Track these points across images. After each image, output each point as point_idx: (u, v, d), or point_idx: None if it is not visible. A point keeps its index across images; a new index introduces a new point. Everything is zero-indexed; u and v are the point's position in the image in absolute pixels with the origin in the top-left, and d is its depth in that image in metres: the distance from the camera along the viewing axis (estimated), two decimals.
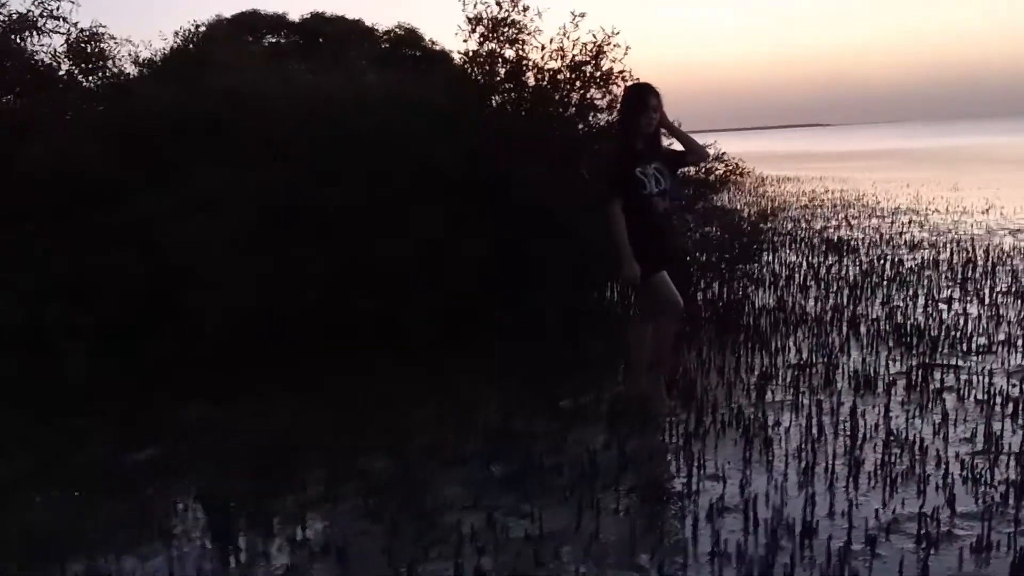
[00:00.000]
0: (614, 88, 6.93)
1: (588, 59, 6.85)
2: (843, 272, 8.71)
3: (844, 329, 6.32)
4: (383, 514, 3.56)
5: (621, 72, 7.01)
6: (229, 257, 5.27)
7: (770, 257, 9.79)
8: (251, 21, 14.85)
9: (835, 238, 11.41)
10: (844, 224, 13.32)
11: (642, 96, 4.68)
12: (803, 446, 4.12)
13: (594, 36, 6.83)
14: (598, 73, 6.84)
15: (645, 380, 4.76)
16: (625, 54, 7.08)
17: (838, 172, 27.67)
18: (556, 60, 6.84)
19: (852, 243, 10.89)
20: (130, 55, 8.72)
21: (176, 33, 10.81)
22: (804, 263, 9.34)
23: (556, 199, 5.93)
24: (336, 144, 5.55)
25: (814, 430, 4.31)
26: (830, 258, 9.70)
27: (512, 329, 5.92)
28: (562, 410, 4.78)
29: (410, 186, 5.49)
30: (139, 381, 5.24)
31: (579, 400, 4.93)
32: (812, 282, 8.19)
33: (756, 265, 7.10)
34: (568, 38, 6.84)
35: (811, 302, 7.34)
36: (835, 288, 7.87)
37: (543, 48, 6.83)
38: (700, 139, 4.99)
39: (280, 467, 4.11)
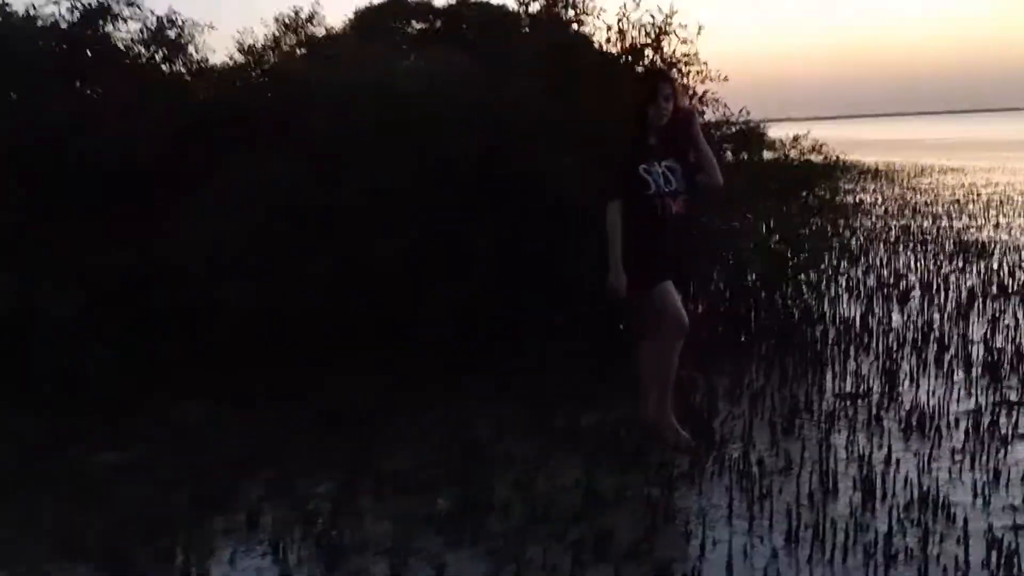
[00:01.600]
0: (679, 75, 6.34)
1: (649, 42, 6.27)
2: (963, 281, 7.68)
3: (926, 354, 5.48)
4: (287, 551, 3.22)
5: (686, 57, 6.39)
6: (230, 255, 5.09)
7: (881, 260, 8.84)
8: (396, 8, 14.86)
9: (972, 240, 10.21)
10: (990, 224, 11.95)
11: (652, 83, 4.12)
12: (802, 504, 3.47)
13: (652, 17, 6.23)
14: (660, 59, 6.24)
15: (655, 406, 4.19)
16: (698, 34, 6.48)
17: (1014, 162, 25.16)
18: (615, 45, 6.30)
19: (989, 247, 9.68)
20: (238, 43, 8.79)
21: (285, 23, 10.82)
22: (919, 269, 8.34)
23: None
24: (340, 135, 5.25)
25: (828, 483, 3.65)
26: (953, 263, 8.62)
27: (534, 338, 5.46)
28: (554, 433, 4.30)
29: (415, 180, 5.11)
30: (139, 380, 5.13)
31: (580, 422, 4.43)
32: (917, 291, 7.26)
33: (820, 272, 6.21)
34: (628, 19, 6.29)
35: (901, 316, 6.47)
36: (941, 301, 6.92)
37: (608, 29, 6.31)
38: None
39: (224, 484, 3.85)
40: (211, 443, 4.33)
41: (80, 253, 5.64)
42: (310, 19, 10.20)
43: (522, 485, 3.72)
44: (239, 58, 8.23)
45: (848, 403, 4.63)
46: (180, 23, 7.30)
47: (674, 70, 6.31)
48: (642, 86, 4.21)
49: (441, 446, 4.15)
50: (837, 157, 10.46)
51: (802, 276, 5.93)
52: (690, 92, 6.68)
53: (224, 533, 3.42)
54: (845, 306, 6.86)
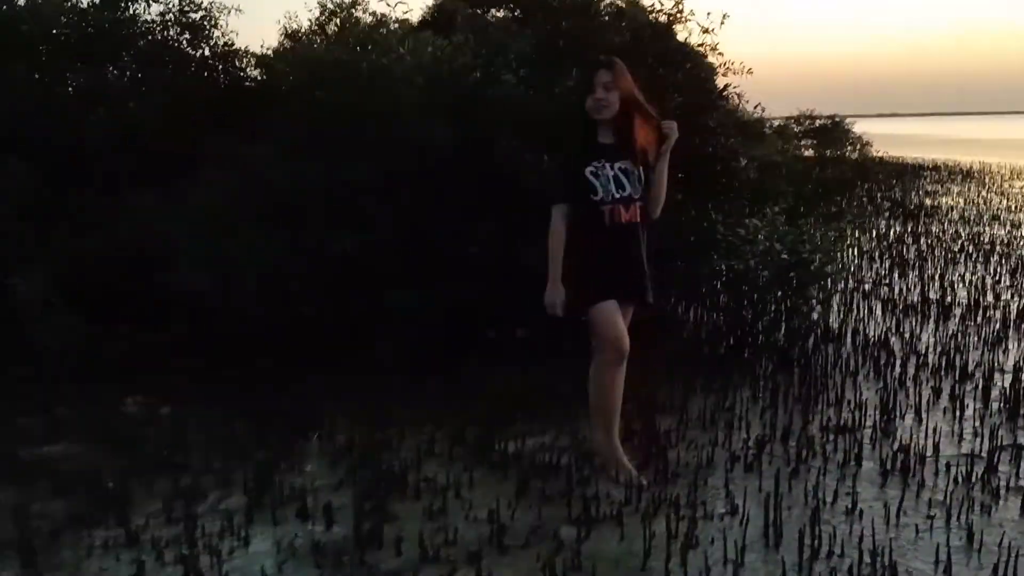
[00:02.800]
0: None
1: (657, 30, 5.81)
2: (1016, 302, 6.95)
3: (943, 382, 4.90)
4: None
5: (700, 48, 5.91)
6: (186, 242, 4.90)
7: (934, 272, 8.14)
8: None
9: None
10: None
11: (590, 71, 3.68)
12: (729, 559, 3.03)
13: (661, 2, 5.77)
14: (666, 48, 5.78)
15: (601, 434, 3.77)
16: (721, 23, 5.99)
17: None
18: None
19: None
20: (285, 28, 8.64)
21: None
22: (972, 283, 7.62)
23: None
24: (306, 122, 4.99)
25: (770, 535, 3.19)
26: (1014, 280, 7.84)
27: (494, 350, 5.07)
28: (491, 456, 3.93)
29: (374, 172, 4.81)
30: (98, 367, 4.98)
31: (524, 445, 4.05)
32: (960, 309, 6.59)
33: (824, 285, 5.61)
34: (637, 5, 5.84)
35: (932, 337, 5.85)
36: (983, 322, 6.26)
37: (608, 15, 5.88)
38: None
39: (122, 492, 3.61)
40: (132, 444, 4.12)
41: (47, 234, 5.59)
42: (354, 4, 10.00)
43: (431, 515, 3.38)
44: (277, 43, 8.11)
45: (831, 436, 4.12)
46: (206, 6, 7.21)
47: (688, 63, 5.88)
48: (583, 75, 3.78)
49: (362, 465, 3.83)
50: (881, 155, 9.70)
51: (813, 289, 5.34)
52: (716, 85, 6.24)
53: (102, 547, 3.19)
54: (874, 322, 6.27)
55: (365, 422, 4.32)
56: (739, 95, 6.51)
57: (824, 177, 13.51)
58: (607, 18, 5.96)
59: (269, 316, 4.89)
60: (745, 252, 5.09)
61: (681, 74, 5.73)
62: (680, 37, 5.87)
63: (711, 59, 6.03)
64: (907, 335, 5.87)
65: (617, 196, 3.62)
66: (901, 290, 7.33)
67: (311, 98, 5.25)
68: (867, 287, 7.45)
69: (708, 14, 6.03)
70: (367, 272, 4.88)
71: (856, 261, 8.79)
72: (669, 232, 5.28)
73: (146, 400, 4.69)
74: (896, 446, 3.96)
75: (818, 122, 19.69)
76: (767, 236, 5.10)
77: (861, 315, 6.44)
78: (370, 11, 10.11)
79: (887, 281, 7.73)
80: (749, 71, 7.37)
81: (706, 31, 6.04)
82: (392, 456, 3.91)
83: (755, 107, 6.82)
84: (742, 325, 5.54)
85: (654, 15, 5.94)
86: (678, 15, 5.79)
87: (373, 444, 4.06)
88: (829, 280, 5.43)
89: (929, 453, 3.88)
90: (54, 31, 6.76)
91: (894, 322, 6.26)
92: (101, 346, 5.14)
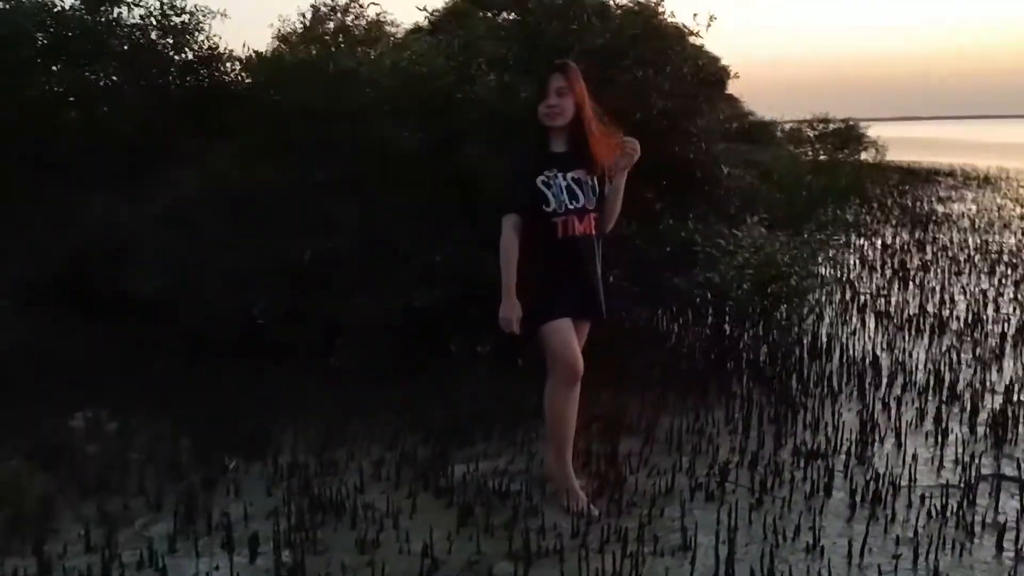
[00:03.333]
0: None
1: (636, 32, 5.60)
2: (1019, 317, 6.67)
3: (928, 404, 4.65)
4: None
5: (683, 50, 5.69)
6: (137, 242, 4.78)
7: (937, 283, 7.87)
8: None
9: None
10: None
11: (544, 77, 3.47)
12: None
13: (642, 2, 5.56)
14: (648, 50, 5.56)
15: (554, 459, 3.55)
16: (708, 26, 5.77)
17: None
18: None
19: None
20: (279, 31, 8.48)
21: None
22: (974, 296, 7.35)
23: None
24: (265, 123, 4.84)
25: (722, 573, 2.96)
26: (1018, 293, 7.56)
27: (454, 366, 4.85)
28: (437, 481, 3.72)
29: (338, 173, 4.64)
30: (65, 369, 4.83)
31: (476, 468, 3.84)
32: (959, 324, 6.33)
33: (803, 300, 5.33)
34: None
35: (924, 353, 5.60)
36: (981, 338, 5.99)
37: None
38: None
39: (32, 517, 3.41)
40: (70, 462, 3.94)
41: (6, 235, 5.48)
42: (346, 8, 9.82)
43: (363, 547, 3.18)
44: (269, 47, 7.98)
45: (801, 463, 3.89)
46: (190, 9, 7.05)
47: (669, 65, 5.66)
48: (538, 81, 3.54)
49: (299, 490, 3.64)
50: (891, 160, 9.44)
51: (786, 305, 5.09)
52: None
53: None
54: (865, 337, 6.01)
55: (316, 440, 4.14)
56: (738, 99, 6.32)
57: (827, 183, 13.19)
58: (587, 20, 5.75)
59: (229, 319, 4.72)
60: (722, 264, 4.85)
61: (662, 78, 5.50)
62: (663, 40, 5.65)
63: (700, 61, 5.80)
64: (898, 351, 5.62)
65: (570, 207, 3.41)
66: (898, 302, 7.07)
67: (272, 99, 5.09)
68: (863, 299, 7.19)
69: (695, 15, 5.83)
70: (329, 278, 4.71)
71: (856, 271, 8.53)
72: (649, 241, 5.09)
73: (94, 414, 4.51)
74: (869, 474, 3.72)
75: (832, 126, 19.45)
76: (745, 247, 4.86)
77: (853, 329, 6.19)
78: (365, 15, 9.97)
79: (885, 292, 7.46)
80: (736, 75, 7.16)
81: (692, 33, 5.85)
82: (335, 480, 3.71)
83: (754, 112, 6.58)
84: (722, 340, 5.31)
85: (639, 15, 5.74)
86: (659, 16, 5.57)
87: (320, 465, 3.87)
88: (815, 294, 5.16)
89: (904, 483, 3.64)
90: (29, 34, 6.66)
91: (886, 337, 6.01)
92: (62, 346, 5.03)
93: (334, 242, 4.72)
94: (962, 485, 3.61)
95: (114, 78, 6.78)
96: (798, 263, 4.86)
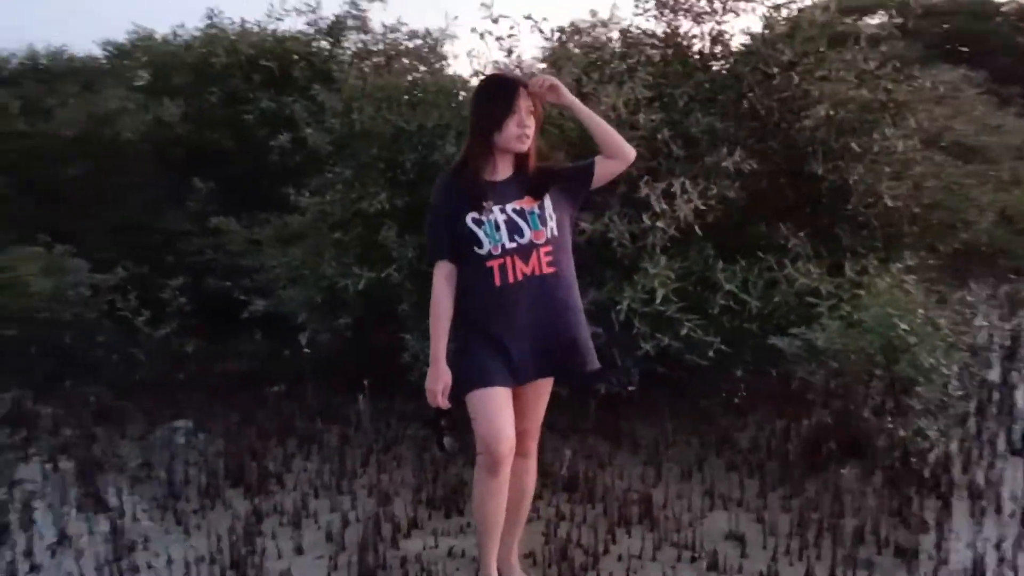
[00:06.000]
0: None
1: None
2: None
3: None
4: None
5: None
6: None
7: None
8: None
9: None
10: None
11: (506, 93, 2.82)
12: None
13: None
14: None
15: (484, 559, 2.96)
16: None
17: None
18: None
19: None
20: None
21: None
22: None
23: None
24: None
25: None
26: None
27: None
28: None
29: None
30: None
31: (423, 552, 3.36)
32: None
33: None
34: None
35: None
36: None
37: None
38: None
39: None
40: None
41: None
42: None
43: None
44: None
45: None
46: (429, 33, 7.26)
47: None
48: (493, 97, 2.84)
49: None
50: None
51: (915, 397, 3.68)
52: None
53: None
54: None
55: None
56: None
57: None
58: None
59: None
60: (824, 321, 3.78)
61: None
62: None
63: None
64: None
65: (510, 246, 2.77)
66: None
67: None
68: None
69: None
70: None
71: None
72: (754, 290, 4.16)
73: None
74: None
75: None
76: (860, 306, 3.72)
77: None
78: None
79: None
80: None
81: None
82: None
83: None
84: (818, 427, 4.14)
85: None
86: None
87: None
88: (947, 387, 3.65)
89: None
90: (253, 61, 7.25)
91: None
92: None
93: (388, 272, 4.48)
94: None
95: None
96: (926, 335, 3.54)
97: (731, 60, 4.71)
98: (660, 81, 4.63)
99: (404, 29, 7.31)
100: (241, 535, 3.45)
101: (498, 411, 2.77)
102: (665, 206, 4.01)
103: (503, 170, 2.87)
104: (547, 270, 2.80)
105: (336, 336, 4.96)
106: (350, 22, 7.55)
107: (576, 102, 2.89)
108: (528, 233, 2.78)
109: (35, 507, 3.86)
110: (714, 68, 4.73)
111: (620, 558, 3.27)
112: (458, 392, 2.83)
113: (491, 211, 2.79)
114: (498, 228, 2.78)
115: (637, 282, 4.00)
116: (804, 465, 3.94)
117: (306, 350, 4.74)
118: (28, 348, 5.72)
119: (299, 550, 3.42)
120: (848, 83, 4.54)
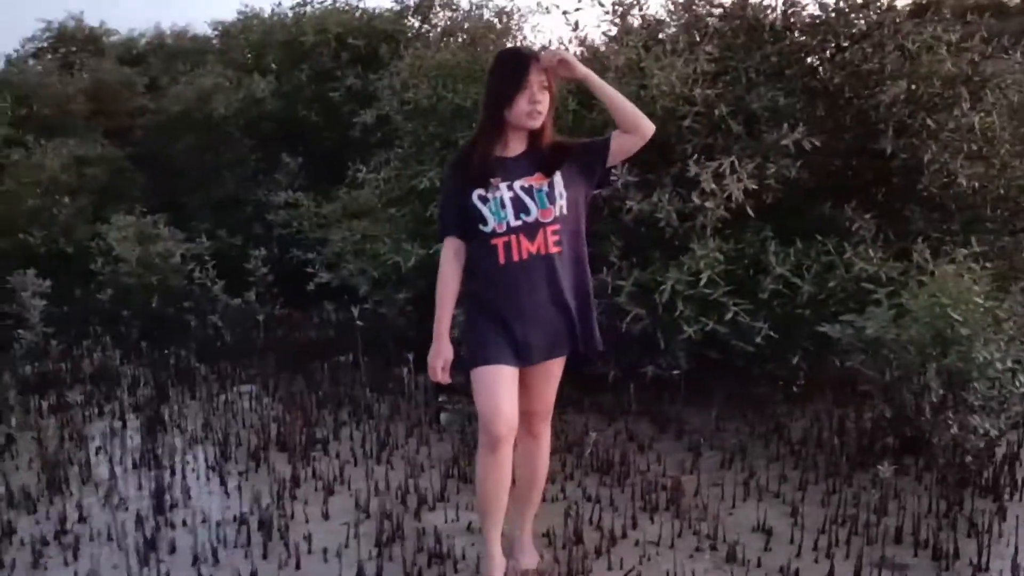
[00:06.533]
0: None
1: None
2: None
3: None
4: None
5: None
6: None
7: None
8: None
9: None
10: None
11: (517, 68, 2.76)
12: None
13: None
14: None
15: (488, 536, 2.95)
16: None
17: None
18: None
19: None
20: None
21: None
22: None
23: None
24: None
25: None
26: None
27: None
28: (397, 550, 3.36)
29: None
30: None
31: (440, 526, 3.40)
32: None
33: None
34: None
35: None
36: None
37: None
38: None
39: None
40: None
41: None
42: None
43: None
44: None
45: None
46: (518, 10, 7.32)
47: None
48: (505, 74, 2.77)
49: None
50: None
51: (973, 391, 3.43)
52: None
53: None
54: None
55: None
56: None
57: None
58: None
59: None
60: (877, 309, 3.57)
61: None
62: None
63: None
64: None
65: (515, 224, 2.74)
66: None
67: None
68: None
69: None
70: None
71: None
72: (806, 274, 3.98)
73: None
74: None
75: None
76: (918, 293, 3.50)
77: None
78: None
79: None
80: None
81: None
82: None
83: None
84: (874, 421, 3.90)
85: None
86: None
87: None
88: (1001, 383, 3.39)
89: None
90: (341, 39, 7.40)
91: None
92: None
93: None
94: None
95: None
96: (981, 327, 3.28)
97: (802, 32, 4.48)
98: (726, 54, 4.47)
99: (491, 5, 7.36)
100: (275, 498, 3.57)
101: (499, 389, 2.75)
102: (715, 186, 3.86)
103: (515, 147, 2.82)
104: (553, 249, 2.75)
105: (397, 310, 5.06)
106: (438, 1, 7.62)
107: (590, 74, 2.81)
108: (535, 211, 2.74)
109: (97, 462, 4.09)
110: (784, 41, 4.49)
111: (637, 543, 3.19)
112: (463, 368, 2.82)
113: (498, 188, 2.75)
114: (504, 206, 2.74)
115: (683, 263, 3.89)
116: (855, 460, 3.76)
117: (359, 323, 4.81)
118: (120, 311, 6.06)
119: (326, 516, 3.49)
120: (931, 56, 4.26)
